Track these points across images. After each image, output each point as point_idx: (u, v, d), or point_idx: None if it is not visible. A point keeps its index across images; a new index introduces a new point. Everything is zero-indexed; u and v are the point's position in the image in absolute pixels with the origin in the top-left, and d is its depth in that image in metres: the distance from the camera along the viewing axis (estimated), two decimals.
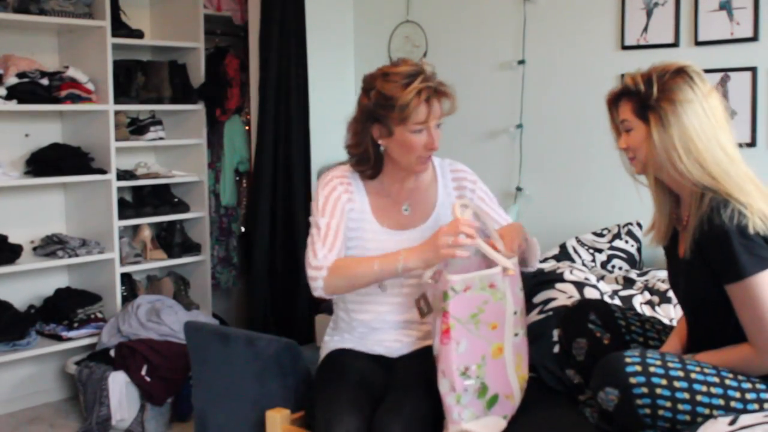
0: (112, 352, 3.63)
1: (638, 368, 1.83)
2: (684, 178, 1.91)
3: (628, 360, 1.85)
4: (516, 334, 2.14)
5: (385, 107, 2.20)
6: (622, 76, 3.50)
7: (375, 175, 2.33)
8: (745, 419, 1.79)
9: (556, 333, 2.41)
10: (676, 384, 1.83)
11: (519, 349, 2.16)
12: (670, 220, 2.06)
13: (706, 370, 1.87)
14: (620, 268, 3.31)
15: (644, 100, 1.94)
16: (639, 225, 3.44)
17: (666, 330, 2.23)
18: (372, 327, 2.36)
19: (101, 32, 3.88)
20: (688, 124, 1.89)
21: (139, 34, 4.17)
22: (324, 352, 2.44)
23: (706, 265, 1.90)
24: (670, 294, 2.79)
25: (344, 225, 2.29)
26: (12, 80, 3.65)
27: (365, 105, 2.25)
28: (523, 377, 2.17)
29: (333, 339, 2.44)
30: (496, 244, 2.15)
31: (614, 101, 2.04)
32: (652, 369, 1.83)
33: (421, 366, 2.24)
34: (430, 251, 2.09)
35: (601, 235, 3.44)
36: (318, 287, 2.22)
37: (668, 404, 1.82)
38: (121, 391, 3.50)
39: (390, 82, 2.20)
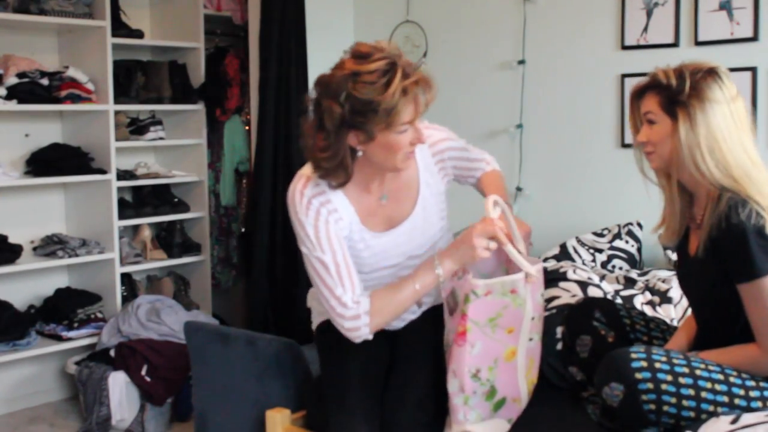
0: (112, 352, 3.63)
1: (644, 364, 1.83)
2: (704, 178, 1.91)
3: (633, 356, 1.85)
4: (531, 339, 2.10)
5: (365, 113, 1.93)
6: (623, 76, 3.50)
7: (346, 183, 2.07)
8: (747, 418, 1.80)
9: (559, 330, 2.42)
10: (681, 380, 1.83)
11: (532, 353, 2.12)
12: (683, 219, 2.06)
13: (711, 368, 1.88)
14: (620, 268, 3.31)
15: (674, 95, 1.93)
16: (639, 225, 3.44)
17: (670, 330, 2.23)
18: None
19: (101, 32, 3.88)
20: (714, 124, 1.90)
21: (139, 34, 4.17)
22: (317, 320, 2.33)
23: (719, 263, 1.90)
24: (671, 294, 2.80)
25: (345, 248, 2.08)
26: (12, 80, 3.65)
27: (337, 113, 1.94)
28: (532, 381, 2.14)
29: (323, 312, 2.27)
30: (517, 245, 2.07)
31: (639, 94, 2.02)
32: (657, 365, 1.83)
33: (425, 335, 2.21)
34: (467, 252, 1.98)
35: (601, 235, 3.44)
36: (363, 335, 2.03)
37: (673, 400, 1.82)
38: (121, 391, 3.50)
39: (365, 84, 1.92)
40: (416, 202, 2.19)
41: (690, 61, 2.00)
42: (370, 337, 2.06)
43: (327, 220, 2.07)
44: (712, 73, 1.95)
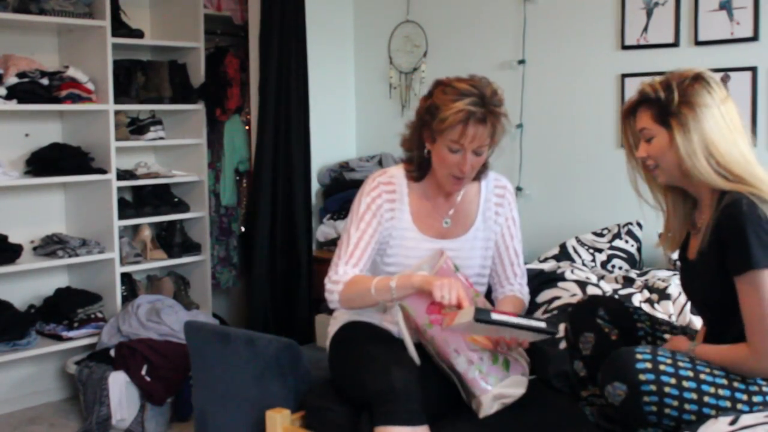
0: (112, 352, 3.63)
1: (648, 365, 1.83)
2: (706, 181, 1.93)
3: (638, 356, 1.85)
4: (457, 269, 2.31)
5: (431, 113, 2.31)
6: (623, 76, 3.51)
7: (421, 178, 2.41)
8: (745, 419, 1.79)
9: (561, 328, 2.42)
10: (685, 384, 1.83)
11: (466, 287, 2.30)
12: (685, 225, 2.08)
13: (715, 372, 1.87)
14: (620, 268, 3.31)
15: (665, 107, 1.95)
16: (639, 225, 3.44)
17: (674, 331, 2.23)
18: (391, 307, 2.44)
19: (101, 32, 3.88)
20: (707, 128, 1.92)
21: (139, 34, 4.16)
22: (338, 324, 2.48)
23: (719, 260, 1.91)
24: (670, 291, 2.80)
25: (377, 236, 2.37)
26: (12, 80, 3.65)
27: (421, 106, 2.38)
28: (476, 294, 2.31)
29: (346, 313, 2.49)
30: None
31: (631, 111, 2.05)
32: (662, 367, 1.83)
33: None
34: (451, 286, 2.15)
35: (601, 235, 3.44)
36: (334, 300, 2.33)
37: (675, 403, 1.82)
38: (121, 391, 3.50)
39: (444, 94, 2.29)
40: (470, 228, 2.45)
41: (676, 70, 2.02)
42: (340, 307, 2.33)
43: (381, 205, 2.39)
44: (698, 78, 1.96)
